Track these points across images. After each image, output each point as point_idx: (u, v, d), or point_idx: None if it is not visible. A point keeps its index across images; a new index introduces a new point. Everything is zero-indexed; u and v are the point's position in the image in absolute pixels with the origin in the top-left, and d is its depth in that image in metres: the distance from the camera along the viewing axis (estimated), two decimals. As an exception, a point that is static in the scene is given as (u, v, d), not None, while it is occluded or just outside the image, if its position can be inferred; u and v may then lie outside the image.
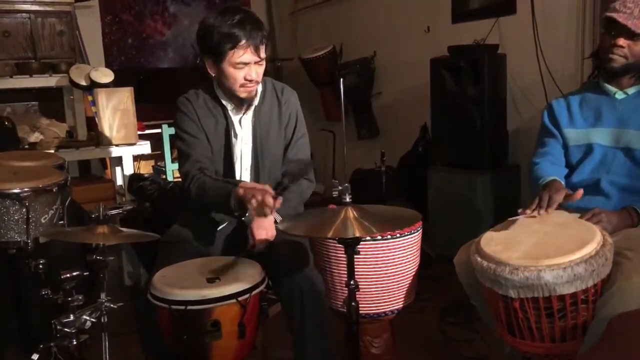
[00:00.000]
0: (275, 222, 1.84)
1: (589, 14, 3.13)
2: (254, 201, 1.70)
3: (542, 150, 2.04)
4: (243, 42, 1.82)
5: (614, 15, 1.81)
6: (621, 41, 1.83)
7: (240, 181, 1.92)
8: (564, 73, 3.26)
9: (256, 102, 2.01)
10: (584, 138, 1.96)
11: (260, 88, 2.03)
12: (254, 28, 1.84)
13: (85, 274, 1.62)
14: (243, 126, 2.02)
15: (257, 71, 1.90)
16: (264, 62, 1.92)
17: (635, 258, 1.57)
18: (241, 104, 1.98)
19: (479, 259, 1.60)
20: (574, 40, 3.23)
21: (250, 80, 1.90)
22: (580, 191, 1.75)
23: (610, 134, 1.91)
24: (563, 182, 1.90)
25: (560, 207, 1.78)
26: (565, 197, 1.75)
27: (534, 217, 1.74)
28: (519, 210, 1.77)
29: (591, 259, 1.47)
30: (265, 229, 1.83)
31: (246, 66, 1.87)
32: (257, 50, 1.86)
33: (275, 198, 1.68)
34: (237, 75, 1.88)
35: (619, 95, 1.93)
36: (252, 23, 1.85)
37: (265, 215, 1.75)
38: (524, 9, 3.43)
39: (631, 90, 1.91)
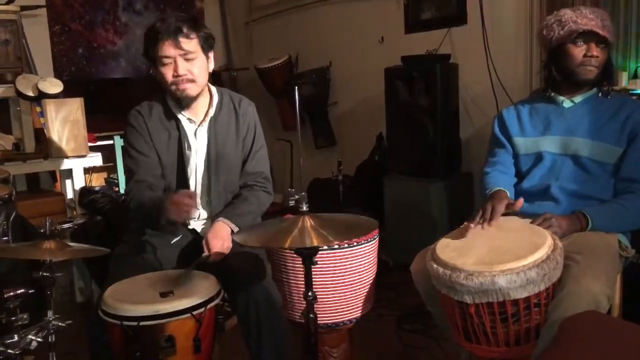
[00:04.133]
0: (233, 233, 1.82)
1: (537, 23, 3.23)
2: (170, 207, 1.69)
3: (493, 159, 2.08)
4: (161, 34, 1.81)
5: (594, 29, 1.84)
6: (597, 51, 1.88)
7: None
8: (513, 82, 3.35)
9: (212, 112, 1.98)
10: (534, 146, 2.01)
11: (216, 99, 2.01)
12: (176, 21, 1.83)
13: (30, 291, 1.55)
14: (198, 138, 1.99)
15: (185, 67, 1.86)
16: (195, 58, 1.87)
17: (583, 261, 1.61)
18: (183, 104, 1.94)
19: (434, 265, 1.62)
20: (523, 50, 3.33)
21: (179, 76, 1.86)
22: (521, 200, 1.80)
23: (559, 141, 1.96)
24: (511, 191, 1.94)
25: (511, 213, 1.82)
26: (507, 205, 1.78)
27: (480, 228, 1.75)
28: (465, 223, 1.79)
29: (543, 264, 1.50)
30: (221, 239, 1.80)
31: (172, 61, 1.85)
32: (177, 44, 1.83)
33: (189, 197, 1.69)
34: (167, 73, 1.86)
35: (567, 103, 1.98)
36: (175, 18, 1.84)
37: (183, 219, 1.75)
38: (474, 20, 3.52)
39: (578, 99, 1.97)
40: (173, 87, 1.89)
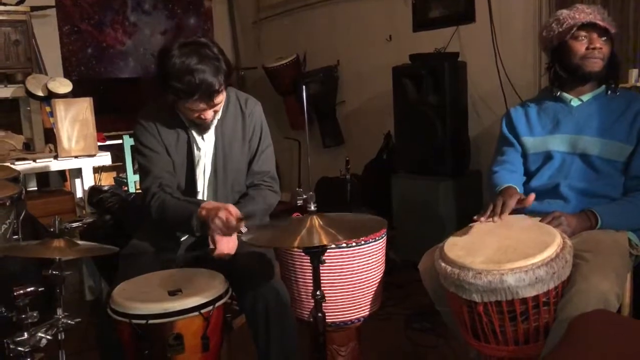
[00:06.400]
0: (241, 232, 1.82)
1: (546, 21, 3.21)
2: (217, 220, 1.69)
3: (501, 158, 2.07)
4: (196, 97, 1.77)
5: (592, 20, 1.86)
6: (600, 42, 1.88)
7: (202, 201, 1.89)
8: (522, 80, 3.34)
9: (219, 115, 1.98)
10: (542, 145, 2.00)
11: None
12: (212, 76, 1.76)
13: (40, 289, 1.56)
14: (206, 139, 1.99)
15: (212, 112, 1.87)
16: (221, 100, 1.87)
17: (593, 260, 1.60)
18: (199, 128, 1.95)
19: (442, 264, 1.61)
20: (532, 48, 3.31)
21: (206, 119, 1.87)
22: (533, 195, 1.78)
23: (568, 140, 1.95)
24: (520, 189, 1.93)
25: (519, 211, 1.81)
26: (518, 201, 1.77)
27: (491, 222, 1.76)
28: (474, 217, 1.79)
29: (552, 262, 1.49)
30: (228, 238, 1.80)
31: (201, 110, 1.84)
32: (211, 102, 1.81)
33: (239, 220, 1.68)
34: (191, 115, 1.87)
35: (575, 102, 1.97)
36: (209, 73, 1.75)
37: (228, 235, 1.73)
38: (482, 18, 3.51)
39: (586, 97, 1.96)
40: (197, 120, 1.88)
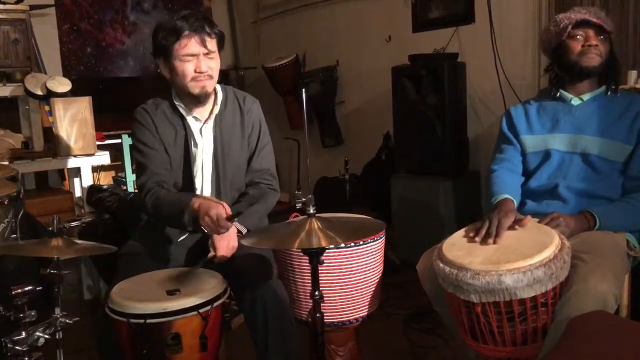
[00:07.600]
0: (240, 233, 1.82)
1: (545, 22, 3.21)
2: (207, 219, 1.69)
3: (500, 156, 2.06)
4: (186, 32, 1.81)
5: (587, 17, 1.89)
6: (596, 40, 1.91)
7: (195, 194, 1.88)
8: (521, 80, 3.34)
9: (217, 110, 1.98)
10: (542, 144, 2.00)
11: (220, 96, 2.00)
12: (198, 20, 1.83)
13: (38, 288, 1.56)
14: (204, 135, 1.99)
15: (207, 64, 1.86)
16: (215, 57, 1.89)
17: (591, 261, 1.60)
18: (197, 102, 1.93)
19: (441, 264, 1.61)
20: (531, 48, 3.32)
21: (201, 72, 1.85)
22: (529, 217, 1.74)
23: (567, 139, 1.95)
24: (518, 194, 1.93)
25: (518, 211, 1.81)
26: (514, 222, 1.74)
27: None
28: (471, 235, 1.73)
29: (550, 263, 1.49)
30: (227, 239, 1.80)
31: (194, 58, 1.84)
32: (203, 42, 1.83)
33: (230, 220, 1.67)
34: (187, 69, 1.85)
35: (575, 101, 1.97)
36: (197, 17, 1.83)
37: (218, 234, 1.73)
38: (482, 19, 3.51)
39: (586, 97, 1.96)
40: (192, 84, 1.87)
